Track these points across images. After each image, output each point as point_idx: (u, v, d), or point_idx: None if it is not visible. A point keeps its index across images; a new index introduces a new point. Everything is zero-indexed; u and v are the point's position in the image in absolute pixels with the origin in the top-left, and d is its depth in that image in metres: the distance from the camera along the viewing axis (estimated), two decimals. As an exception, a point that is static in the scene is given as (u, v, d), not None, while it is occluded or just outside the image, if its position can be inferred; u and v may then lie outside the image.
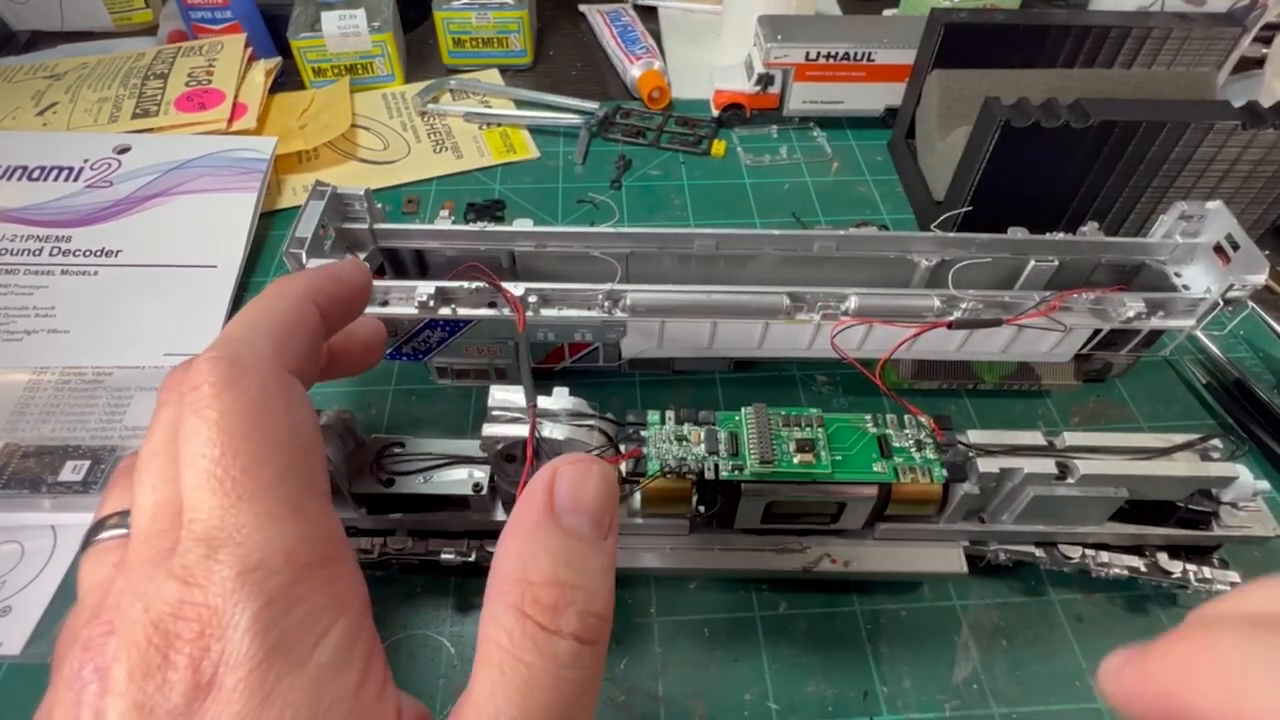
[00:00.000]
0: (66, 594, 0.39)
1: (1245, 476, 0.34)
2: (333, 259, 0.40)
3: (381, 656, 0.21)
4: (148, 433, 0.22)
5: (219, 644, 0.18)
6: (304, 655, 0.18)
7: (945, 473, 0.32)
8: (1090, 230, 0.45)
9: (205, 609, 0.18)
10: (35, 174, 0.58)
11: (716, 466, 0.32)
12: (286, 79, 0.73)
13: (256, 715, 0.17)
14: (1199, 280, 0.43)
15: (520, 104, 0.72)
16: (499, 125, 0.70)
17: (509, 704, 0.19)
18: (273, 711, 0.17)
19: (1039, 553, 0.37)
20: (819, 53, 0.65)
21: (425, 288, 0.40)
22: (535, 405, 0.31)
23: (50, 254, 0.53)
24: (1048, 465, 0.33)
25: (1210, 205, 0.43)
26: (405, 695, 0.21)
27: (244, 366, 0.21)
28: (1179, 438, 0.34)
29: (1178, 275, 0.44)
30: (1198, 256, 0.44)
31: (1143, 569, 0.37)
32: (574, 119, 0.69)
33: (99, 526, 0.23)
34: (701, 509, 0.35)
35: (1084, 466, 0.32)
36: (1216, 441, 0.34)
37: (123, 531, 0.22)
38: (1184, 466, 0.34)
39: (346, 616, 0.20)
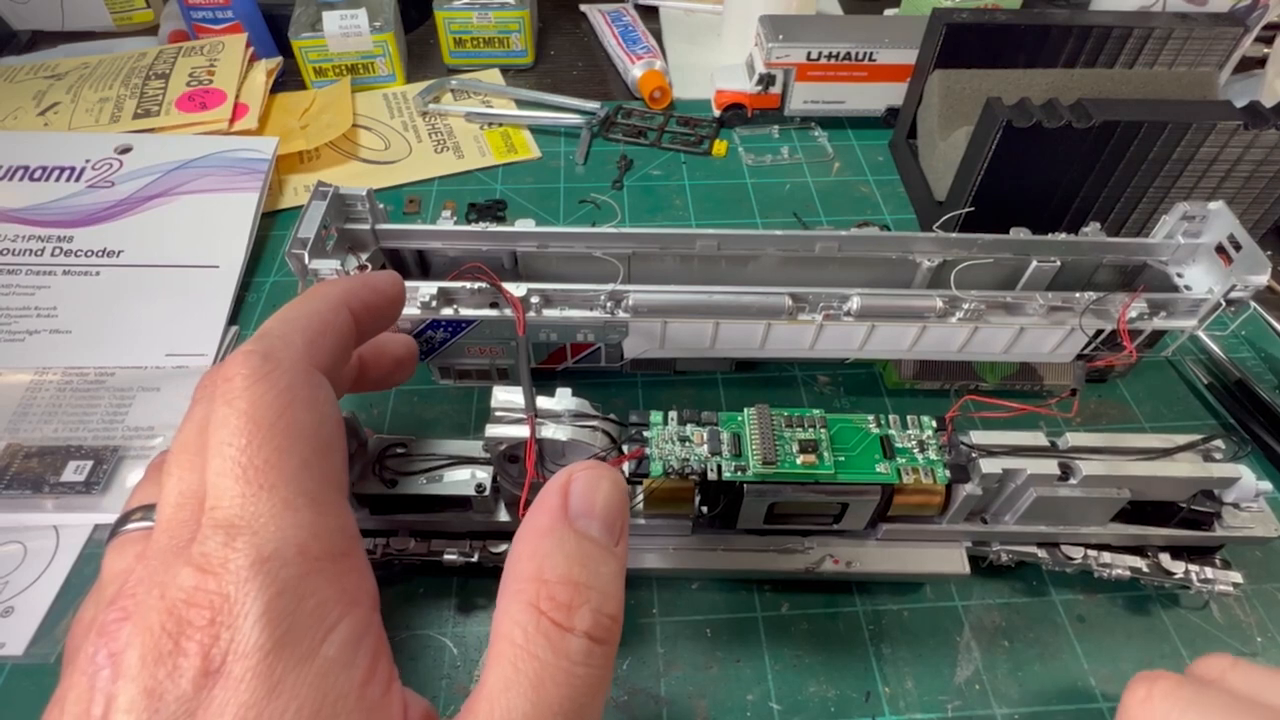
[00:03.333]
0: (69, 594, 0.39)
1: (1248, 477, 0.34)
2: (335, 260, 0.40)
3: (388, 653, 0.21)
4: (179, 428, 0.22)
5: (229, 632, 0.18)
6: (312, 648, 0.19)
7: (948, 474, 0.32)
8: (1092, 231, 0.45)
9: (218, 596, 0.18)
10: (37, 174, 0.58)
11: (719, 467, 0.32)
12: (288, 79, 0.73)
13: (262, 706, 0.17)
14: (1201, 281, 0.43)
15: (521, 104, 0.72)
16: (500, 125, 0.70)
17: (521, 699, 0.19)
18: (279, 703, 0.18)
19: (1041, 553, 0.37)
20: (820, 53, 0.65)
21: (427, 288, 0.40)
22: (535, 414, 0.31)
23: (52, 254, 0.53)
24: (1050, 466, 0.33)
25: (1212, 206, 0.43)
26: (411, 693, 0.21)
27: (276, 360, 0.22)
28: (1181, 438, 0.34)
29: (1180, 276, 0.44)
30: (1200, 257, 0.44)
31: (1145, 569, 0.37)
32: (575, 119, 0.69)
33: (125, 519, 0.24)
34: (704, 509, 0.35)
35: (1087, 468, 0.32)
36: (1219, 442, 0.34)
37: (147, 524, 0.23)
38: (1186, 467, 0.34)
39: (355, 612, 0.20)
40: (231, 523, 0.19)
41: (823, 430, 0.33)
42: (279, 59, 0.73)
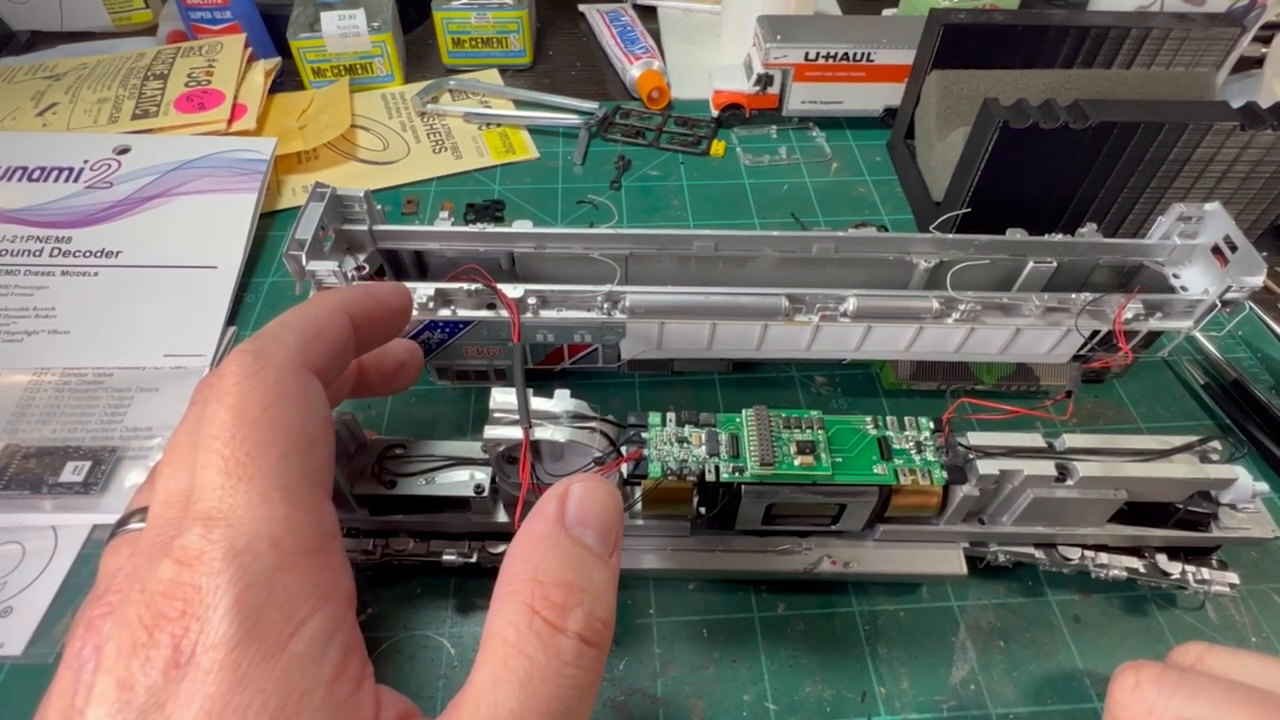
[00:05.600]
0: (68, 595, 0.39)
1: (1244, 478, 0.34)
2: (333, 261, 0.40)
3: (362, 652, 0.21)
4: (175, 429, 0.23)
5: (198, 624, 0.18)
6: (280, 643, 0.19)
7: (945, 475, 0.32)
8: (1089, 231, 0.45)
9: (191, 588, 0.18)
10: (35, 174, 0.58)
11: (717, 468, 0.32)
12: (286, 79, 0.73)
13: (228, 698, 0.18)
14: (1197, 281, 0.43)
15: (519, 104, 0.72)
16: (498, 125, 0.70)
17: (509, 696, 0.20)
18: (244, 696, 0.18)
19: (1038, 554, 0.38)
20: (818, 53, 0.65)
21: (425, 289, 0.40)
22: (529, 424, 0.31)
23: (50, 255, 0.53)
24: (1047, 467, 0.33)
25: (1208, 207, 0.43)
26: (389, 692, 0.21)
27: (266, 359, 0.23)
28: (1178, 439, 0.34)
29: (1176, 276, 0.44)
30: (1196, 258, 0.44)
31: (1142, 570, 0.37)
32: (573, 119, 0.69)
33: (124, 521, 0.24)
34: (702, 510, 0.35)
35: (1083, 469, 0.33)
36: (1216, 443, 0.35)
37: (144, 525, 0.23)
38: (1183, 468, 0.34)
39: (327, 608, 0.20)
40: (210, 515, 0.19)
41: (820, 431, 0.33)
42: (277, 59, 0.73)
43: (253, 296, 0.54)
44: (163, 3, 0.81)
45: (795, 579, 0.38)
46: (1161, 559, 0.37)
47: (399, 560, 0.37)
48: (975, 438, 0.34)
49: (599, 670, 0.22)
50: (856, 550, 0.37)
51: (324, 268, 0.40)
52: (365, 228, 0.44)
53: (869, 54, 0.65)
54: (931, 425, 0.34)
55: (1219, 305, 0.41)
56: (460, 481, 0.34)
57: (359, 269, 0.42)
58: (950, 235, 0.45)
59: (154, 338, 0.49)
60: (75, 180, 0.58)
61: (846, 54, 0.65)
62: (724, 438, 0.33)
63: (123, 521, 0.24)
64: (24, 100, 0.65)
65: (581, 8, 0.86)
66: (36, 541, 0.40)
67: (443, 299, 0.41)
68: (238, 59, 0.69)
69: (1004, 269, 0.46)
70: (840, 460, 0.32)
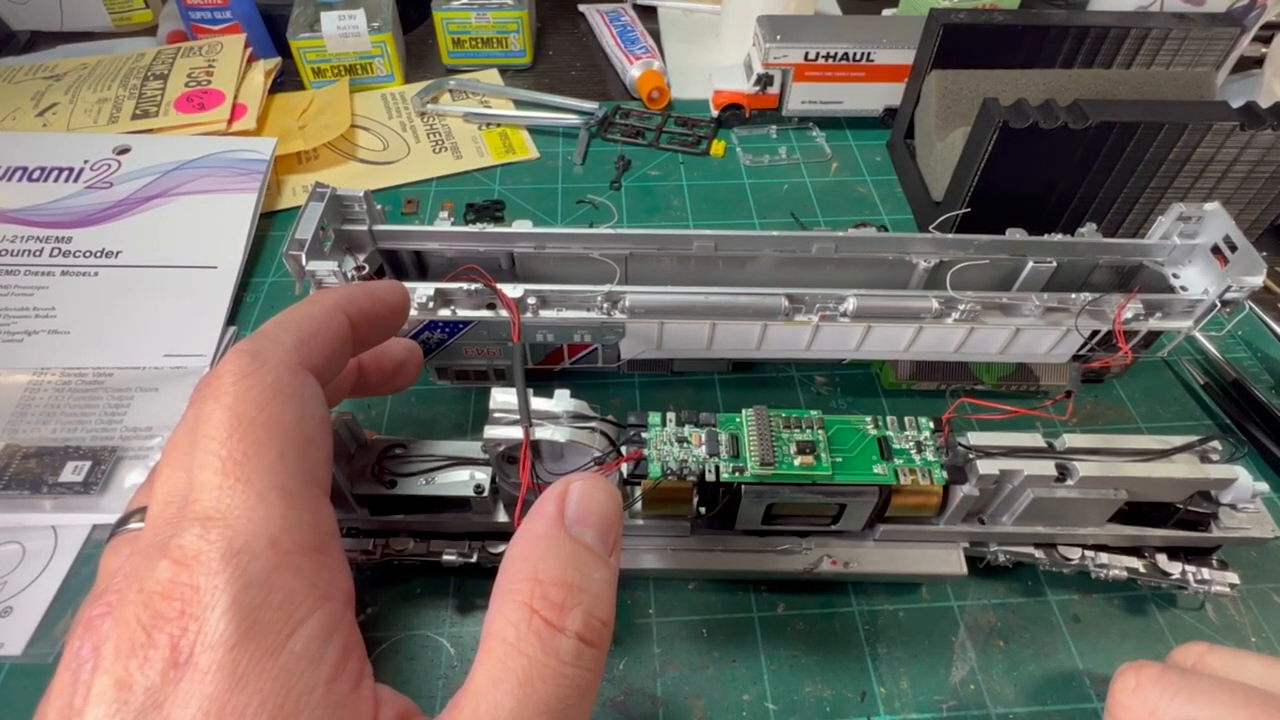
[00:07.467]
0: (67, 595, 0.39)
1: (1244, 478, 0.34)
2: (333, 261, 0.40)
3: (360, 651, 0.21)
4: (174, 429, 0.23)
5: (196, 624, 0.18)
6: (279, 642, 0.19)
7: (945, 475, 0.32)
8: (1088, 231, 0.45)
9: (189, 588, 0.18)
10: (35, 175, 0.58)
11: (717, 468, 0.32)
12: (286, 79, 0.73)
13: (226, 698, 0.18)
14: (1197, 281, 0.43)
15: (519, 104, 0.72)
16: (498, 125, 0.70)
17: (508, 696, 0.20)
18: (242, 696, 0.18)
19: (1038, 554, 0.38)
20: (818, 53, 0.65)
21: (424, 289, 0.40)
22: (529, 423, 0.31)
23: (50, 255, 0.53)
24: (1047, 467, 0.33)
25: (1208, 207, 0.43)
26: (389, 691, 0.21)
27: (263, 359, 0.23)
28: (1178, 439, 0.34)
29: (1176, 276, 0.44)
30: (1195, 258, 0.44)
31: (1142, 570, 0.37)
32: (573, 119, 0.69)
33: (125, 520, 0.24)
34: (702, 510, 0.35)
35: (1083, 469, 0.33)
36: (1216, 443, 0.35)
37: (143, 525, 0.23)
38: (1183, 468, 0.34)
39: (325, 608, 0.20)
40: (208, 515, 0.20)
41: (820, 431, 0.33)
42: (277, 59, 0.73)
43: (253, 296, 0.54)
44: (163, 3, 0.81)
45: (795, 579, 0.38)
46: (1161, 559, 0.37)
47: (399, 560, 0.37)
48: (975, 438, 0.34)
49: (598, 670, 0.22)
50: (856, 550, 0.37)
51: (324, 268, 0.40)
52: (365, 228, 0.44)
53: (869, 54, 0.65)
54: (931, 425, 0.34)
55: (1219, 305, 0.41)
56: (460, 481, 0.34)
57: (359, 269, 0.42)
58: (950, 235, 0.45)
59: (154, 338, 0.49)
60: (75, 180, 0.58)
61: (846, 54, 0.65)
62: (724, 438, 0.33)
63: (122, 521, 0.24)
64: (24, 100, 0.65)
65: (581, 8, 0.86)
66: (36, 541, 0.40)
67: (442, 299, 0.41)
68: (238, 59, 0.69)
69: (1004, 269, 0.46)
70: (840, 460, 0.32)
